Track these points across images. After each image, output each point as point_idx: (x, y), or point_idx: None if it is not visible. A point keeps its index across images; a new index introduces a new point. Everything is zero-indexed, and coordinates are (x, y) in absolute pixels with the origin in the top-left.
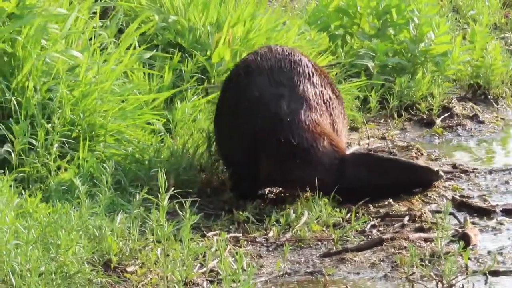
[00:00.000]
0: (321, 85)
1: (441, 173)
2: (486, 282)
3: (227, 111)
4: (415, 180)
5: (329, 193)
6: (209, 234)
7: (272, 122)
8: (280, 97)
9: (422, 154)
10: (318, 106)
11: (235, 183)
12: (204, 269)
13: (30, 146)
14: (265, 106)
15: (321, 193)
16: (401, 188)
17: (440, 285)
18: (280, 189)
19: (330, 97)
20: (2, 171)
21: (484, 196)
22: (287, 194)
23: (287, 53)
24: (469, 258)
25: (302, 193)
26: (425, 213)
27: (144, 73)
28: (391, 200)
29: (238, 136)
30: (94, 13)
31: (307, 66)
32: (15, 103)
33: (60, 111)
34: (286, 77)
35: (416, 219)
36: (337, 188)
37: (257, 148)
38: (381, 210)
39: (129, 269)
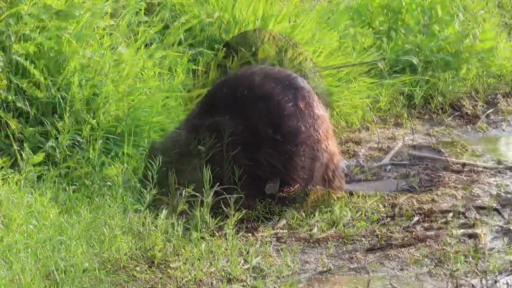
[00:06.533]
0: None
1: None
2: None
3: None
4: None
5: None
6: (254, 231)
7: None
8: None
9: (466, 150)
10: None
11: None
12: (248, 265)
13: (75, 142)
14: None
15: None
16: None
17: (484, 281)
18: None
19: None
20: (46, 167)
21: None
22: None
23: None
24: None
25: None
26: (469, 209)
27: (189, 68)
28: (435, 196)
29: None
30: (139, 9)
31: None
32: (61, 99)
33: (105, 106)
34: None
35: (460, 215)
36: None
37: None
38: (424, 206)
39: (172, 265)
